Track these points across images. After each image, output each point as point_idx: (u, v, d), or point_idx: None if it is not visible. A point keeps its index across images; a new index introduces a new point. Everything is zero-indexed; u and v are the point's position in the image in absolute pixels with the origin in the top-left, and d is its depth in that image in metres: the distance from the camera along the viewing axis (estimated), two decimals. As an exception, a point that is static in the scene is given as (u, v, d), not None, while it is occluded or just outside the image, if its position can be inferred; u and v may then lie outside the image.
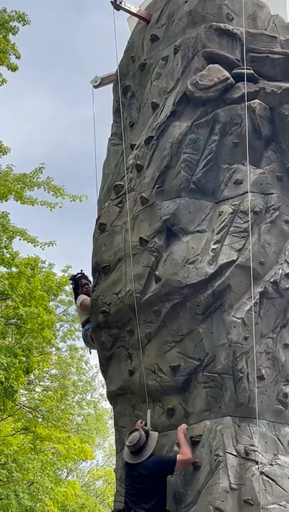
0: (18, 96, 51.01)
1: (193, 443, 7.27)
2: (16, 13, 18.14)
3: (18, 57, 19.45)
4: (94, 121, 10.05)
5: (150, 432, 7.41)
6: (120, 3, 9.18)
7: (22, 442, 23.15)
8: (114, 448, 8.35)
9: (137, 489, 7.20)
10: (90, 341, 9.22)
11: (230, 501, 6.81)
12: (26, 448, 22.78)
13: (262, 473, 6.96)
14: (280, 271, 7.78)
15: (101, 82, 10.39)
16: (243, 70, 8.19)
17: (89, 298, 9.37)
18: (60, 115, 54.22)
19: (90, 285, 9.50)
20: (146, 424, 7.61)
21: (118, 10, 9.32)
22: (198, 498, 6.99)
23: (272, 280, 7.71)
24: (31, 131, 54.31)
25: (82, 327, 9.61)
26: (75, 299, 10.08)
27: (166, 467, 7.14)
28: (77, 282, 9.94)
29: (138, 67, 9.20)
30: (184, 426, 7.34)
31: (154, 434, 7.41)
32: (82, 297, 9.71)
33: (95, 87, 10.43)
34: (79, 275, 10.01)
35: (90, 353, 9.42)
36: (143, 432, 7.36)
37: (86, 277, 9.92)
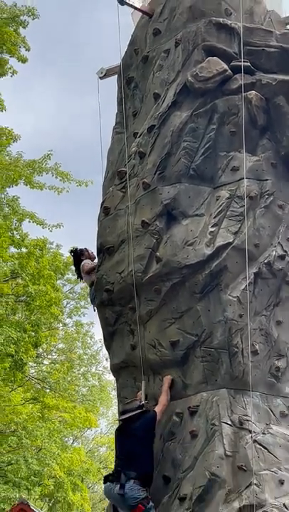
0: (26, 87, 50.79)
1: (191, 413, 7.29)
2: (26, 8, 18.04)
3: (27, 50, 19.34)
4: (99, 110, 9.99)
5: (145, 405, 7.46)
6: None
7: (31, 411, 23.23)
8: (117, 417, 8.39)
9: (126, 453, 7.19)
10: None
11: (225, 467, 6.84)
12: (35, 416, 22.87)
13: (255, 441, 6.98)
14: (274, 253, 7.76)
15: (106, 74, 10.30)
16: (240, 63, 8.15)
17: (89, 261, 9.50)
18: (66, 106, 53.99)
19: (89, 252, 9.73)
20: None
21: (122, 5, 9.23)
22: (195, 464, 7.02)
23: (266, 261, 7.70)
24: (39, 121, 54.13)
25: (90, 287, 9.52)
26: (77, 270, 10.03)
27: (149, 424, 7.18)
28: (76, 253, 10.00)
29: (141, 59, 9.13)
30: (169, 377, 7.48)
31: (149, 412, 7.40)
32: (84, 262, 9.70)
33: (101, 78, 10.34)
34: (76, 249, 10.08)
35: (94, 310, 9.33)
36: (138, 403, 7.45)
37: (83, 249, 9.99)
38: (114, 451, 7.74)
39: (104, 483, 7.17)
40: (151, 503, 6.94)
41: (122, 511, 7.07)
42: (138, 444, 7.14)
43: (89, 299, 10.01)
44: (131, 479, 6.94)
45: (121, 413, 7.55)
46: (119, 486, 6.93)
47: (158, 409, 7.33)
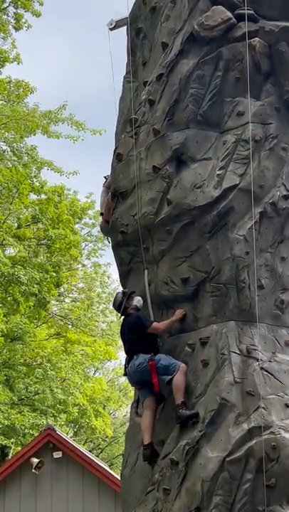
0: (39, 40, 49.84)
1: (202, 344, 7.35)
2: None
3: (41, 4, 18.96)
4: (111, 59, 9.80)
5: (127, 293, 7.91)
6: None
7: (55, 346, 23.59)
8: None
9: (130, 338, 7.60)
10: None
11: (235, 393, 6.92)
12: (58, 350, 23.23)
13: (262, 368, 7.04)
14: (278, 193, 7.69)
15: (116, 25, 10.06)
16: (244, 11, 7.93)
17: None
18: (78, 59, 53.04)
19: None
20: (144, 285, 7.92)
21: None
22: (206, 390, 7.11)
23: (270, 201, 7.64)
24: (52, 74, 53.31)
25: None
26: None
27: (142, 326, 7.54)
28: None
29: (149, 10, 8.91)
30: (180, 310, 7.62)
31: (136, 297, 7.87)
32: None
33: (111, 29, 10.11)
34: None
35: (109, 241, 9.31)
36: (120, 294, 7.93)
37: None
38: None
39: (125, 375, 7.75)
40: (157, 355, 7.36)
41: (144, 391, 7.46)
42: (134, 333, 7.56)
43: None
44: (134, 355, 7.43)
45: (114, 306, 8.00)
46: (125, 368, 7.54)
47: (155, 325, 7.53)
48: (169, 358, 7.32)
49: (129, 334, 7.63)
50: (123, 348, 7.89)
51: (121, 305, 7.81)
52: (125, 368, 7.65)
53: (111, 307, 29.49)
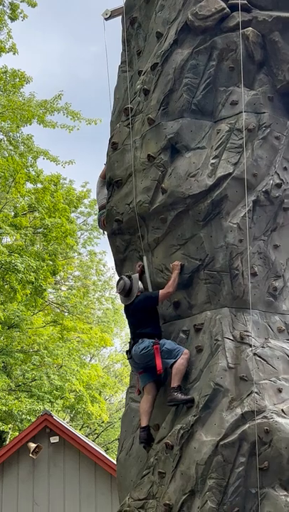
0: (34, 30, 49.53)
1: (196, 330, 7.38)
2: None
3: (36, -6, 18.83)
4: (106, 50, 9.79)
5: (132, 275, 7.75)
6: None
7: (51, 333, 23.61)
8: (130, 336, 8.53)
9: (135, 321, 7.55)
10: (102, 225, 9.01)
11: (228, 378, 6.96)
12: (55, 337, 23.25)
13: (255, 354, 7.07)
14: (271, 181, 7.69)
15: (111, 15, 10.01)
16: (237, 1, 7.88)
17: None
18: (72, 51, 52.75)
19: None
20: (143, 271, 7.88)
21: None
22: (200, 375, 7.14)
23: (264, 190, 7.63)
24: (47, 64, 53.03)
25: (99, 210, 9.28)
26: None
27: (152, 300, 7.52)
28: None
29: (144, 0, 8.86)
30: (177, 263, 7.56)
31: (135, 276, 7.76)
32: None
33: (106, 19, 10.06)
34: None
35: (103, 234, 9.30)
36: (126, 278, 7.71)
37: None
38: (130, 366, 7.99)
39: (128, 359, 7.65)
40: (162, 340, 7.34)
41: (146, 376, 7.44)
42: (142, 314, 7.50)
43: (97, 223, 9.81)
44: (139, 339, 7.38)
45: (122, 292, 7.73)
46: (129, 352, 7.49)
47: (162, 291, 7.49)
48: (173, 343, 7.32)
49: (136, 317, 7.57)
50: (130, 334, 7.81)
51: (131, 290, 7.64)
52: (128, 352, 7.62)
53: (107, 295, 29.59)
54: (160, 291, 7.53)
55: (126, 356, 7.85)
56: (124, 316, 8.07)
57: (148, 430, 7.37)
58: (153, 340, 7.32)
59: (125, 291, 7.67)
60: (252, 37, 7.83)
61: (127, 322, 8.00)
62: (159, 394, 7.53)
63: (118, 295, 8.00)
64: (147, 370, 7.43)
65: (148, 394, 7.46)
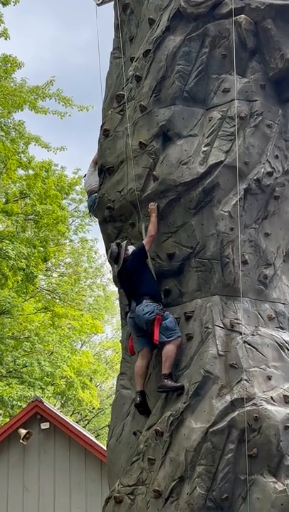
0: (26, 16, 49.10)
1: (187, 318, 7.39)
2: None
3: (28, -21, 18.60)
4: (98, 36, 9.68)
5: (121, 243, 7.77)
6: None
7: (42, 319, 23.62)
8: (120, 323, 8.52)
9: (133, 283, 7.50)
10: (95, 211, 8.85)
11: (218, 365, 6.98)
12: (46, 324, 23.26)
13: (245, 342, 7.09)
14: (262, 170, 7.68)
15: (103, 1, 9.93)
16: (230, -13, 7.85)
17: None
18: (64, 37, 52.35)
19: None
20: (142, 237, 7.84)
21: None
22: (191, 363, 7.15)
23: (255, 178, 7.63)
24: (38, 49, 52.64)
25: (88, 196, 9.23)
26: None
27: (140, 252, 7.54)
28: None
29: (136, -15, 8.80)
30: (154, 207, 7.59)
31: (124, 243, 7.77)
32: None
33: (98, 4, 9.97)
34: None
35: (93, 217, 9.25)
36: (115, 246, 7.75)
37: None
38: (120, 352, 7.95)
39: (126, 317, 7.61)
40: (166, 312, 7.30)
41: (143, 340, 7.44)
42: (136, 273, 7.47)
43: (88, 209, 9.70)
44: (143, 300, 7.30)
45: (111, 259, 7.77)
46: (130, 311, 7.42)
47: (146, 240, 7.53)
48: (174, 323, 7.27)
49: (132, 279, 7.49)
50: (125, 296, 7.75)
51: (119, 256, 7.64)
52: (126, 314, 7.57)
53: (98, 282, 29.60)
54: (144, 240, 7.55)
55: (128, 316, 7.63)
56: (118, 286, 7.96)
57: (144, 395, 7.41)
58: (158, 307, 7.26)
59: (114, 258, 7.68)
60: (244, 24, 7.79)
61: (123, 293, 7.89)
62: (149, 380, 7.55)
63: (113, 268, 7.96)
64: (145, 335, 7.41)
65: (143, 359, 7.47)
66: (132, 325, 7.55)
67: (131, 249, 7.73)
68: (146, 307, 7.27)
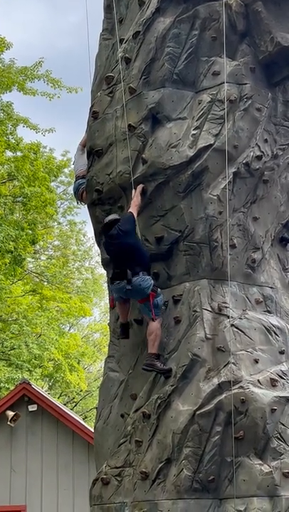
0: (11, 1, 48.43)
1: (175, 301, 7.40)
2: None
3: None
4: (87, 18, 9.59)
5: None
6: None
7: (30, 302, 23.59)
8: (109, 305, 8.52)
9: (122, 254, 7.41)
10: (79, 196, 8.88)
11: (206, 348, 7.01)
12: (34, 307, 23.24)
13: (232, 325, 7.12)
14: (252, 153, 7.67)
15: (92, -18, 9.81)
16: None
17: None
18: (52, 21, 51.72)
19: None
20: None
21: None
22: (178, 346, 7.18)
23: (244, 162, 7.62)
24: (26, 34, 52.05)
25: (75, 180, 9.10)
26: None
27: (129, 220, 7.45)
28: None
29: None
30: (140, 186, 7.62)
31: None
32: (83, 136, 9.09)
33: (87, -15, 9.85)
34: None
35: (77, 203, 9.24)
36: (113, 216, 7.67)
37: None
38: (108, 335, 7.95)
39: (112, 283, 7.52)
40: (159, 290, 7.33)
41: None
42: (127, 241, 7.38)
43: (73, 192, 9.63)
44: (139, 272, 7.27)
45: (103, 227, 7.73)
46: (126, 281, 7.26)
47: (132, 209, 7.50)
48: (162, 304, 7.38)
49: (125, 251, 7.37)
50: (114, 264, 7.65)
51: (114, 223, 7.54)
52: (111, 280, 7.53)
53: (86, 264, 29.59)
54: (131, 210, 7.50)
55: (119, 284, 7.47)
56: (109, 258, 7.91)
57: (125, 324, 7.65)
58: (153, 284, 7.28)
59: (108, 225, 7.58)
60: (235, 7, 7.74)
61: (111, 260, 7.80)
62: (136, 364, 7.57)
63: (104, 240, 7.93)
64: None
65: (123, 307, 7.68)
66: (127, 293, 7.41)
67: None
68: (144, 282, 7.25)
